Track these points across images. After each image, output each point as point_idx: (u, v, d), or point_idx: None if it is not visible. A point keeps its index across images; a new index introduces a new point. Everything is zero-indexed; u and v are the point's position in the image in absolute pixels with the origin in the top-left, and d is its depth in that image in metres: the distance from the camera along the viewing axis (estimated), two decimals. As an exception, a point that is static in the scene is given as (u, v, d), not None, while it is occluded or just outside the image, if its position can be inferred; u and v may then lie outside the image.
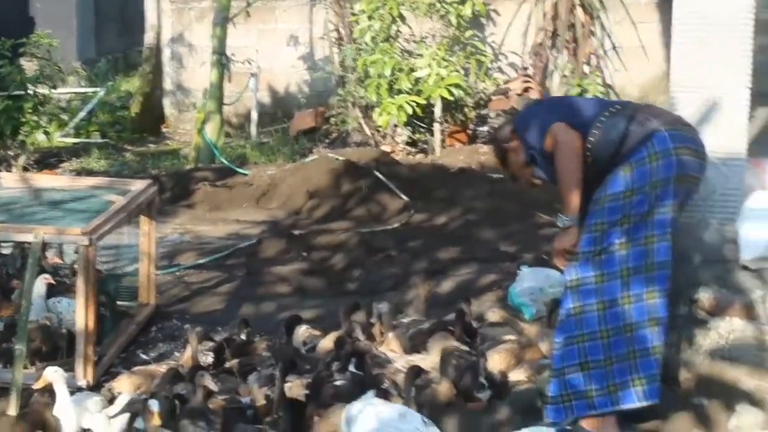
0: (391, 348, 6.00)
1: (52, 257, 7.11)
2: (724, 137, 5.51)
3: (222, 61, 12.15)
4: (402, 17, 12.66)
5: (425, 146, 12.72)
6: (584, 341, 4.85)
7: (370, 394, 5.40)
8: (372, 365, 5.70)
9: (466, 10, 12.50)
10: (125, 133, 14.10)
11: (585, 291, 4.84)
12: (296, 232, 9.18)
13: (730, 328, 5.47)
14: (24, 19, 16.84)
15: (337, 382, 5.44)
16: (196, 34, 14.41)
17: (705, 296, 5.51)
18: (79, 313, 5.85)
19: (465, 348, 5.77)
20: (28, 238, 5.89)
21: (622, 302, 4.81)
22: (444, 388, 5.43)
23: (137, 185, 7.04)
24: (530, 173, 5.21)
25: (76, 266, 6.90)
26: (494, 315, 6.41)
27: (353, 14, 13.06)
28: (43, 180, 7.34)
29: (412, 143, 12.81)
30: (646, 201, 4.77)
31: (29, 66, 13.09)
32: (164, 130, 14.61)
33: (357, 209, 9.99)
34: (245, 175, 11.26)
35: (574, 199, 4.88)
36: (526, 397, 5.36)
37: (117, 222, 6.30)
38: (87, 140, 13.53)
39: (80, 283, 5.84)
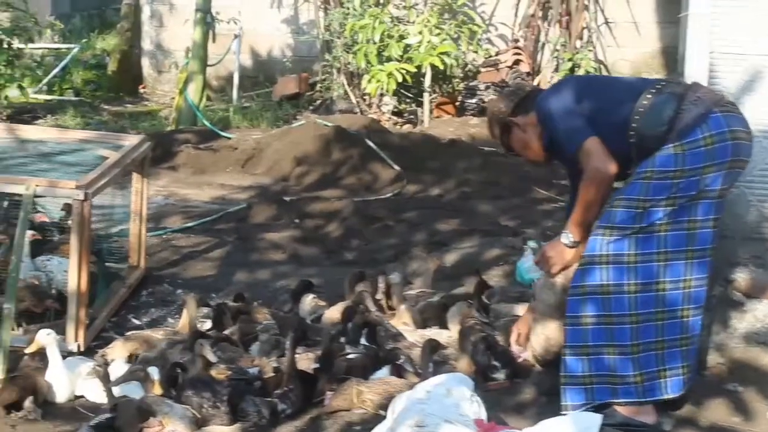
0: (403, 321, 5.66)
1: (39, 216, 6.70)
2: (766, 108, 5.21)
3: (207, 19, 11.70)
4: (394, -19, 12.33)
5: (411, 117, 12.40)
6: (612, 323, 4.53)
7: (385, 370, 5.11)
8: (384, 338, 5.37)
9: (460, -23, 12.19)
10: (101, 92, 13.64)
11: (617, 269, 4.51)
12: (287, 198, 8.83)
13: (767, 310, 5.21)
14: (-4, -30, 16.26)
15: (350, 355, 5.11)
16: (177, -7, 13.95)
17: (741, 276, 5.24)
18: (71, 273, 5.47)
19: (484, 322, 5.44)
20: (19, 189, 5.49)
21: (656, 287, 4.49)
22: (463, 365, 5.12)
23: (130, 140, 6.65)
24: (535, 153, 4.91)
25: (64, 223, 6.56)
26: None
27: (342, -23, 12.69)
28: (30, 131, 6.91)
29: (397, 113, 12.49)
30: (695, 184, 4.43)
31: (2, 16, 12.60)
32: (142, 90, 14.14)
33: (348, 177, 9.65)
34: (229, 138, 10.89)
35: (585, 226, 4.65)
36: (551, 377, 5.04)
37: (112, 177, 5.90)
38: (61, 98, 13.05)
39: (74, 241, 5.45)
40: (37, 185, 5.46)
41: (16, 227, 5.58)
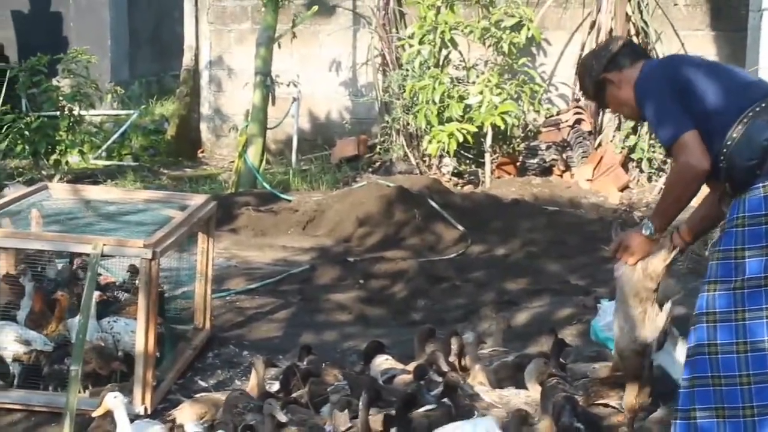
0: (478, 381, 5.47)
1: (105, 277, 6.62)
2: None
3: (266, 82, 11.69)
4: (454, 42, 12.26)
5: (472, 177, 12.26)
6: (720, 384, 4.26)
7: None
8: (461, 399, 5.18)
9: (521, 37, 12.09)
10: (159, 157, 13.66)
11: (724, 327, 4.23)
12: (351, 259, 8.71)
13: None
14: (57, 38, 16.48)
15: (429, 413, 4.92)
16: (235, 57, 13.98)
17: None
18: (139, 334, 5.35)
19: (566, 380, 5.25)
20: (86, 249, 5.39)
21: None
22: (545, 426, 4.90)
23: (196, 200, 6.58)
24: (632, 110, 4.58)
25: (129, 284, 6.47)
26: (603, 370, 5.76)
27: (400, 39, 12.67)
28: (96, 192, 6.86)
29: (458, 174, 12.36)
30: None
31: (64, 83, 12.71)
32: (200, 155, 14.14)
33: (411, 238, 9.52)
34: (289, 201, 10.81)
35: (667, 221, 4.45)
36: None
37: (179, 237, 5.80)
38: (121, 163, 13.07)
39: (141, 302, 5.34)
40: (104, 244, 5.36)
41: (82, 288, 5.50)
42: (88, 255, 5.49)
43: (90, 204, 6.54)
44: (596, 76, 4.58)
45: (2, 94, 12.48)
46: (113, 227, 6.06)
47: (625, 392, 4.99)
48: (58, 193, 6.65)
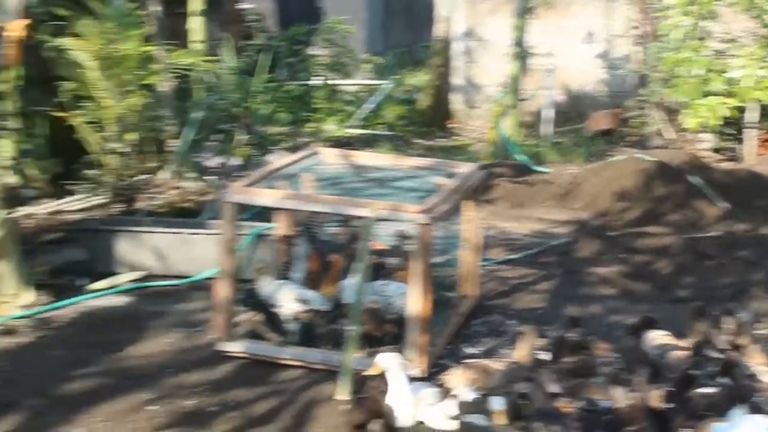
0: (756, 361, 5.28)
1: (373, 242, 6.71)
2: None
3: (522, 54, 11.62)
4: (715, 14, 11.84)
5: (730, 153, 11.86)
6: None
7: (739, 411, 4.75)
8: (739, 378, 5.01)
9: (789, 8, 11.58)
10: (412, 127, 13.78)
11: None
12: (611, 233, 8.56)
13: None
14: (313, 9, 16.86)
15: (709, 392, 4.78)
16: (488, 29, 13.96)
17: None
18: (413, 298, 5.41)
19: None
20: (363, 212, 5.47)
21: None
22: (833, 411, 4.69)
23: (464, 168, 6.57)
24: None
25: (402, 246, 6.54)
26: None
27: (659, 10, 12.34)
28: (364, 157, 6.96)
29: (715, 150, 11.97)
30: None
31: (321, 53, 13.00)
32: (450, 125, 14.21)
33: (671, 214, 9.28)
34: (544, 173, 10.72)
35: None
36: None
37: (452, 204, 5.82)
38: (375, 132, 13.27)
39: (416, 267, 5.39)
40: (381, 209, 5.43)
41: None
42: (360, 219, 5.58)
43: (359, 169, 6.63)
44: None
45: (269, 64, 12.83)
46: (383, 192, 6.14)
47: None
48: (328, 159, 6.76)
